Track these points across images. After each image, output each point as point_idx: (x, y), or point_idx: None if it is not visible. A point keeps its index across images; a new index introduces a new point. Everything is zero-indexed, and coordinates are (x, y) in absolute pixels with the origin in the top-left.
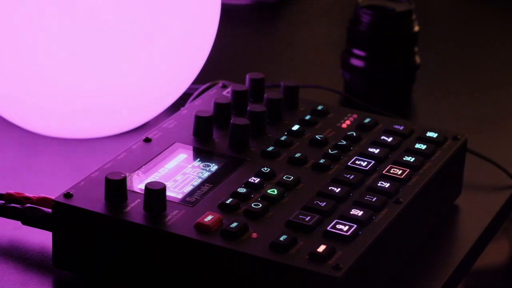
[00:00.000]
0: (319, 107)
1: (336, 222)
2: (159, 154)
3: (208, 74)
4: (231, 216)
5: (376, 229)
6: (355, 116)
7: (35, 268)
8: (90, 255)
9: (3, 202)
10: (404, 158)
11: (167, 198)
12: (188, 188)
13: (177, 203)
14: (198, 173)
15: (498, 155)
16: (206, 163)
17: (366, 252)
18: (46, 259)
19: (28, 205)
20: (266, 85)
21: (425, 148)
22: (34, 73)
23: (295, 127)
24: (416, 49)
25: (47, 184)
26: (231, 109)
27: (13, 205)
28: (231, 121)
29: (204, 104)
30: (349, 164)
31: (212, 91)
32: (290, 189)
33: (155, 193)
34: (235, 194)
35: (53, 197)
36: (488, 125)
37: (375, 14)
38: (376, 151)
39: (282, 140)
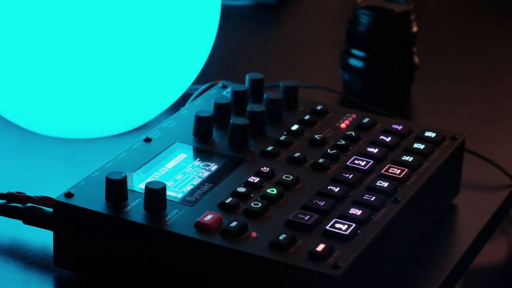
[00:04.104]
0: (318, 107)
1: (335, 221)
2: (159, 153)
3: (208, 74)
4: (231, 216)
5: (375, 228)
6: (354, 116)
7: (36, 267)
8: (90, 254)
9: (4, 201)
10: (403, 158)
11: (167, 198)
12: (188, 188)
13: (177, 202)
14: (198, 172)
15: (496, 155)
16: (206, 163)
17: (365, 251)
18: (47, 258)
19: (29, 204)
20: (266, 85)
21: (424, 148)
22: (35, 73)
23: (295, 127)
24: (414, 49)
25: (48, 183)
26: (231, 109)
27: (14, 204)
28: (231, 121)
29: (204, 104)
30: (348, 163)
31: (212, 91)
32: (289, 188)
33: (156, 192)
34: (235, 194)
35: (54, 197)
36: (486, 124)
37: (374, 14)
38: (375, 150)
39: (281, 140)
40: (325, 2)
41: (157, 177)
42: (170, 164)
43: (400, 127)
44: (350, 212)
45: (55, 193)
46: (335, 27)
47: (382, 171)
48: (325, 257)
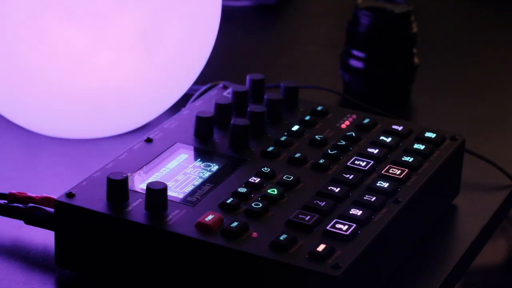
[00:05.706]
0: (319, 108)
1: (336, 221)
2: (160, 154)
3: (209, 75)
4: (232, 216)
5: (375, 228)
6: (354, 116)
7: (38, 267)
8: (92, 254)
9: (6, 202)
10: (403, 158)
11: (168, 198)
12: (189, 188)
13: (178, 202)
14: (199, 173)
15: (495, 155)
16: (207, 163)
17: (365, 251)
18: (49, 258)
19: (31, 204)
20: (266, 86)
21: (424, 148)
22: (36, 73)
23: (295, 128)
24: (414, 50)
25: (50, 184)
26: (232, 110)
27: (16, 204)
28: (232, 121)
29: (205, 105)
30: (348, 164)
31: (213, 92)
32: (290, 189)
33: (157, 192)
34: (236, 194)
35: (55, 197)
36: (486, 125)
37: (374, 15)
38: (375, 151)
39: (282, 140)
40: (325, 2)
41: (158, 177)
42: (171, 165)
43: (400, 128)
44: (350, 212)
45: (57, 193)
46: (335, 28)
47: (382, 172)
48: (326, 257)
